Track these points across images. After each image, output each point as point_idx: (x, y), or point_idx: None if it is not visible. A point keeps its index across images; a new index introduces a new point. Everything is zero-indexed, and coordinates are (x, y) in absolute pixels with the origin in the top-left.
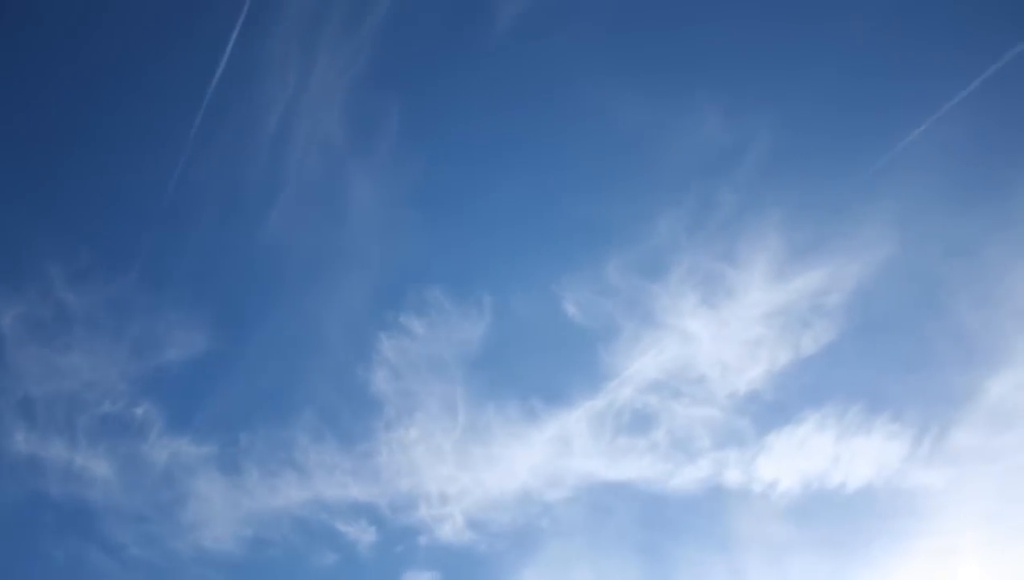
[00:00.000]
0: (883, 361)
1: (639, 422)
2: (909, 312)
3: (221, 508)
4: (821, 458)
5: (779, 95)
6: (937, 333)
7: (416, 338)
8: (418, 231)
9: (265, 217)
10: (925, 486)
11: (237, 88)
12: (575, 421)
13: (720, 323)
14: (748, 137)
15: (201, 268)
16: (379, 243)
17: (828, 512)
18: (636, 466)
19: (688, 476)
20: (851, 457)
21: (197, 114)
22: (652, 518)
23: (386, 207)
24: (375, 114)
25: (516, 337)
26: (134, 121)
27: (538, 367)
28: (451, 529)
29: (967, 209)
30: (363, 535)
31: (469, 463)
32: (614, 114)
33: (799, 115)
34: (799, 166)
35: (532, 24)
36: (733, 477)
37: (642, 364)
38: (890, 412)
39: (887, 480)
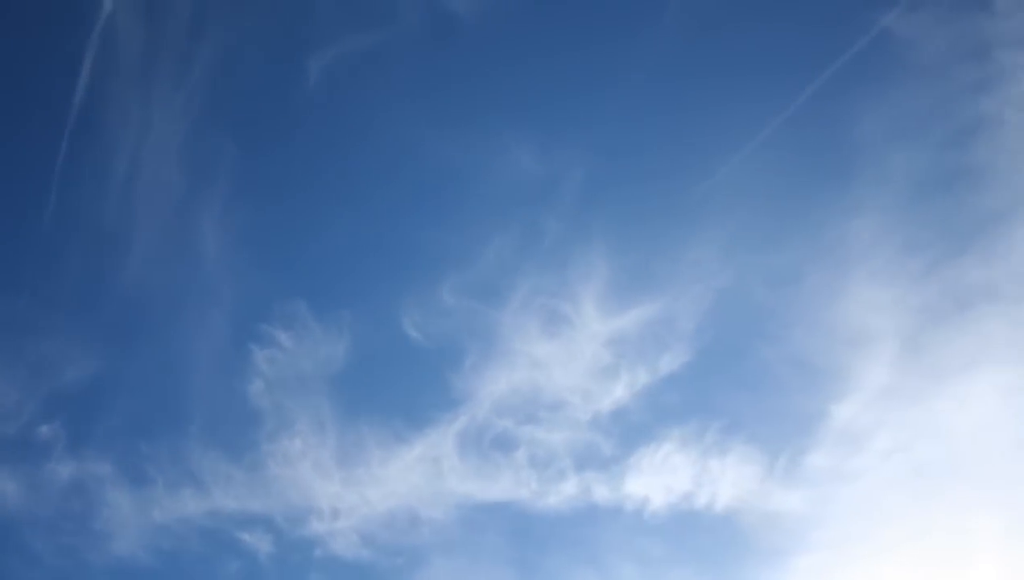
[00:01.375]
0: (732, 386)
1: (502, 444)
2: (749, 340)
3: (130, 518)
4: (686, 477)
5: (590, 129)
6: (778, 359)
7: (286, 351)
8: (265, 268)
9: (127, 251)
10: (787, 507)
11: (89, 137)
12: (441, 442)
13: (566, 349)
14: (561, 170)
15: (83, 294)
16: (233, 270)
17: (698, 530)
18: (505, 486)
19: (557, 496)
20: (714, 477)
21: (60, 150)
22: (526, 537)
23: (234, 239)
24: (212, 153)
25: (371, 357)
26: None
27: (395, 387)
28: (343, 543)
29: (787, 236)
30: (262, 545)
31: (352, 479)
32: (434, 152)
33: (613, 147)
34: (618, 196)
35: (350, 71)
36: (602, 495)
37: (495, 387)
38: (745, 435)
39: (750, 500)
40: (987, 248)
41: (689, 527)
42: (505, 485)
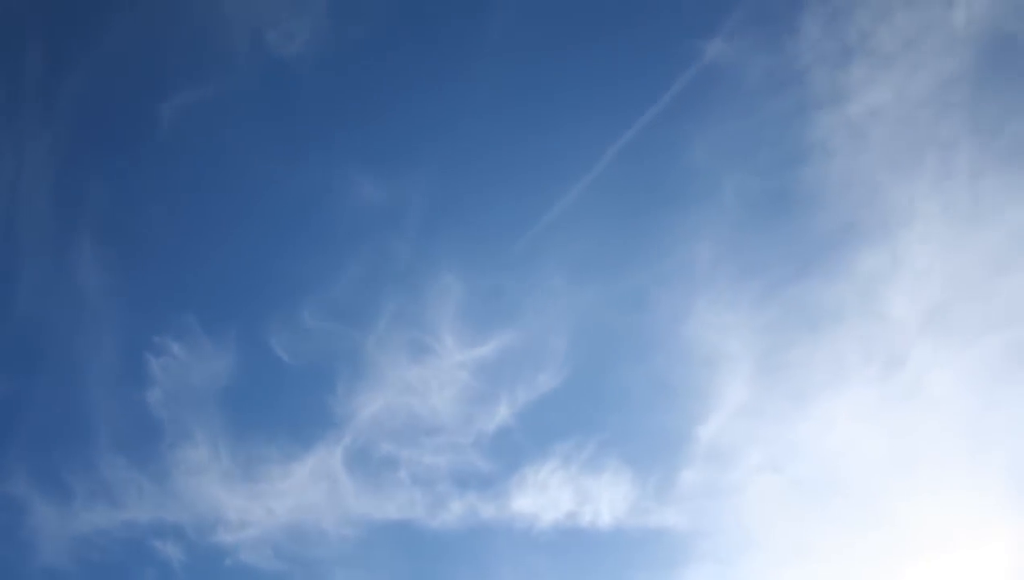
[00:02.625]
0: (603, 408)
1: (386, 465)
2: (612, 362)
3: (49, 531)
4: (569, 496)
5: (429, 158)
6: (641, 381)
7: (179, 361)
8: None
9: (15, 284)
10: (668, 523)
11: None
12: (329, 461)
13: (435, 372)
14: (404, 197)
15: None
16: (118, 289)
17: (584, 547)
18: (396, 505)
19: (447, 515)
20: (595, 495)
21: None
22: (419, 555)
23: (116, 262)
24: (84, 188)
25: (251, 376)
26: None
27: (276, 406)
28: (251, 554)
29: (633, 260)
30: (175, 554)
31: (253, 492)
32: (283, 186)
33: (453, 176)
34: (464, 222)
35: (200, 114)
36: (490, 514)
37: (372, 409)
38: (619, 454)
39: (631, 517)
40: (827, 269)
41: (575, 544)
42: (395, 504)
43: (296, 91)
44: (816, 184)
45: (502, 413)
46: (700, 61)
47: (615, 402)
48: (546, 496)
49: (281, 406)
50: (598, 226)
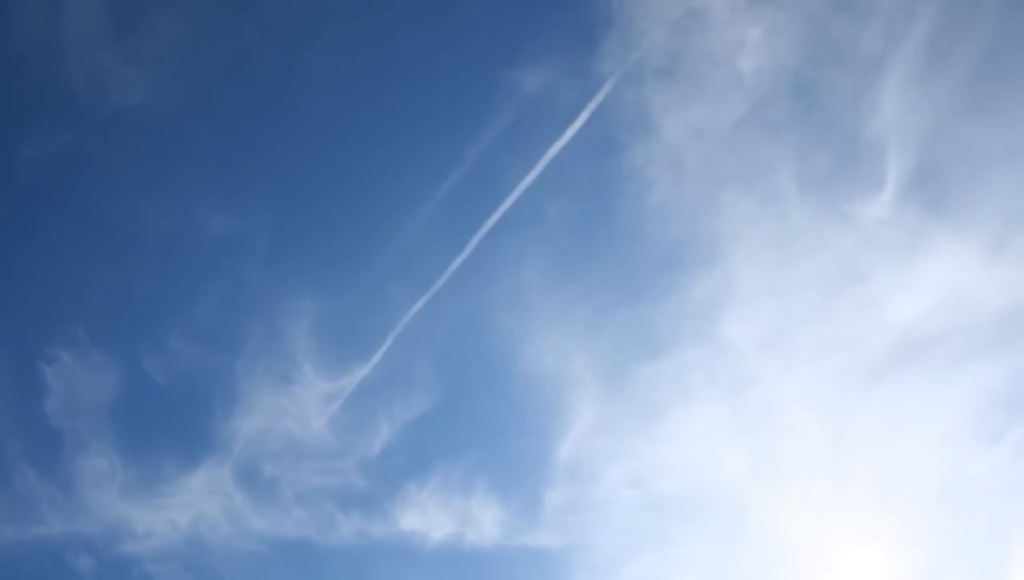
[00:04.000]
0: (473, 431)
1: (272, 484)
2: (474, 387)
3: None
4: (452, 515)
5: (272, 190)
6: (502, 403)
7: (72, 371)
8: None
9: None
10: (543, 543)
11: None
12: (220, 479)
13: (305, 395)
14: (252, 229)
15: None
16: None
17: (470, 566)
18: (289, 523)
19: (338, 533)
20: (475, 515)
21: None
22: (315, 572)
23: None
24: None
25: (134, 392)
26: None
27: (162, 424)
28: (159, 567)
29: (472, 284)
30: (87, 564)
31: (157, 505)
32: (139, 219)
33: (300, 205)
34: (315, 250)
35: (63, 157)
36: (379, 533)
37: (251, 431)
38: (488, 477)
39: (508, 537)
40: (657, 292)
41: (462, 563)
42: (288, 522)
43: (142, 134)
44: (638, 209)
45: (376, 437)
46: (515, 90)
47: (477, 425)
48: (429, 516)
49: (164, 423)
50: (439, 250)
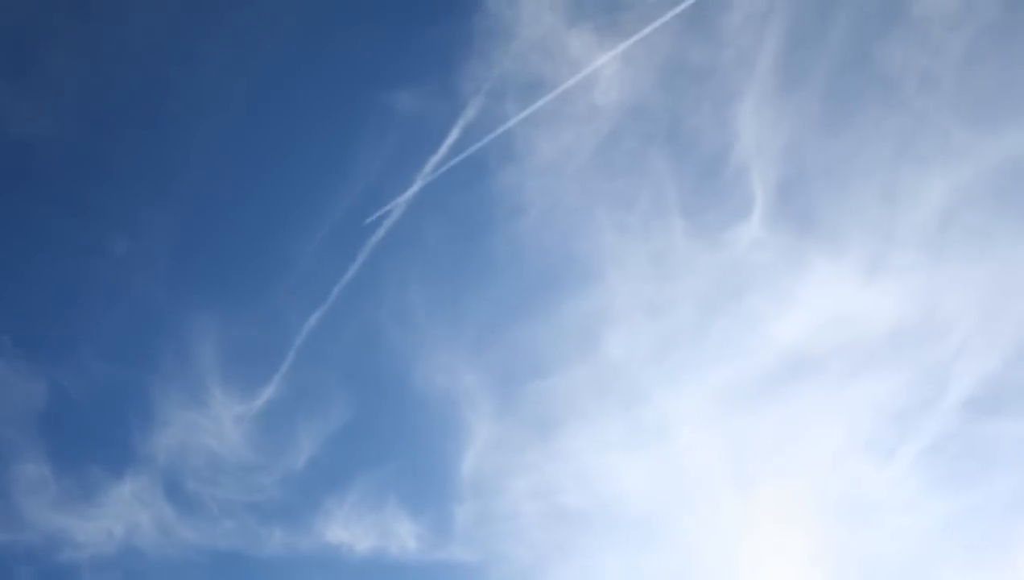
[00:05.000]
0: (383, 451)
1: (199, 497)
2: (380, 408)
3: None
4: (372, 530)
5: (170, 214)
6: (407, 424)
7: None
8: None
9: None
10: (458, 557)
11: None
12: (149, 491)
13: (224, 413)
14: (152, 250)
15: None
16: None
17: (394, 577)
18: (216, 535)
19: (266, 544)
20: (393, 530)
21: None
22: None
23: None
24: None
25: (57, 405)
26: None
27: (85, 436)
28: (97, 576)
29: (359, 305)
30: (25, 571)
31: (92, 514)
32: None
33: (198, 227)
34: (216, 269)
35: None
36: (306, 545)
37: (172, 446)
38: (399, 493)
39: (424, 551)
40: (538, 313)
41: (387, 576)
42: (216, 534)
43: (39, 166)
44: (512, 230)
45: (290, 453)
46: (388, 112)
47: (385, 442)
48: (351, 530)
49: (88, 436)
50: (327, 269)
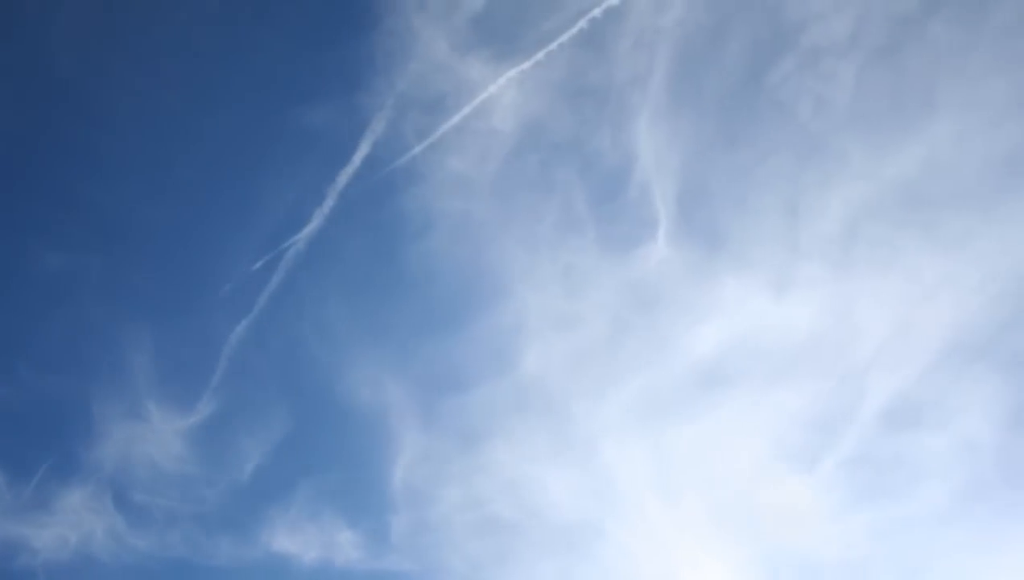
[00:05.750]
0: (319, 464)
1: (145, 508)
2: (309, 419)
3: None
4: (315, 540)
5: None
6: (333, 437)
7: None
8: None
9: None
10: (401, 568)
11: None
12: (98, 501)
13: (164, 427)
14: (87, 265)
15: None
16: None
17: None
18: (165, 544)
19: (214, 553)
20: (335, 539)
21: None
22: None
23: None
24: None
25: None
26: None
27: (28, 445)
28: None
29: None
30: None
31: (44, 522)
32: None
33: (134, 243)
34: (152, 285)
35: None
36: (253, 553)
37: (116, 458)
38: (337, 505)
39: (366, 562)
40: (454, 329)
41: None
42: (164, 543)
43: None
44: (426, 249)
45: (230, 465)
46: (298, 128)
47: (319, 455)
48: (294, 540)
49: (33, 447)
50: (251, 282)
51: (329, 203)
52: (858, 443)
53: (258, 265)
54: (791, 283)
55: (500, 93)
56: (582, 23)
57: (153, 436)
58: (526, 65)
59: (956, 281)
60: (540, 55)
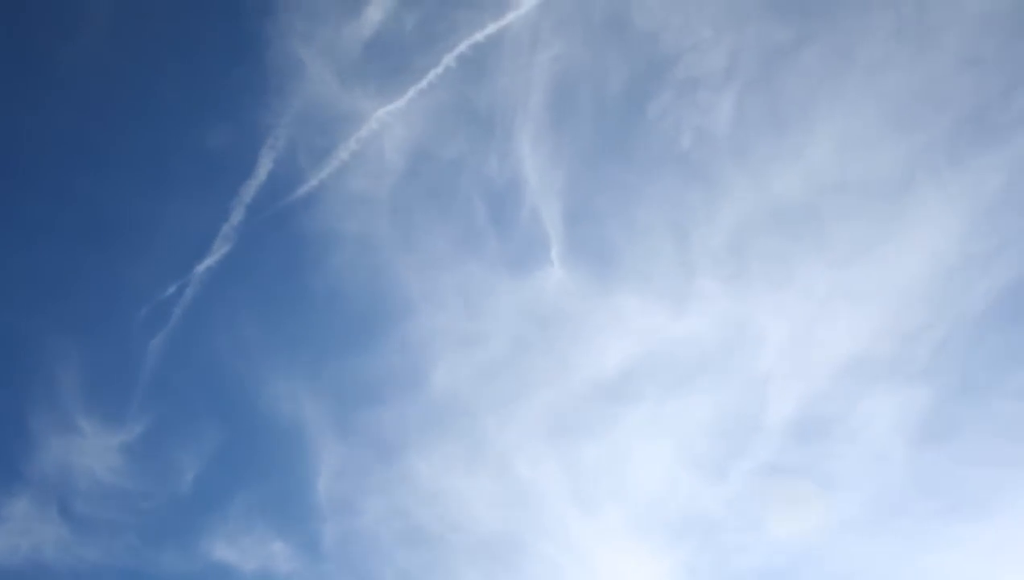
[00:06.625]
0: (246, 476)
1: (88, 518)
2: (235, 433)
3: None
4: (251, 550)
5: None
6: (254, 450)
7: None
8: None
9: None
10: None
11: None
12: (42, 511)
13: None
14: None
15: None
16: None
17: None
18: (112, 553)
19: (169, 561)
20: (269, 551)
21: None
22: None
23: None
24: None
25: None
26: None
27: None
28: None
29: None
30: None
31: None
32: None
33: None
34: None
35: None
36: (196, 563)
37: (56, 468)
38: (267, 517)
39: (300, 573)
40: (362, 346)
41: None
42: (111, 552)
43: None
44: (329, 273)
45: (169, 479)
46: (199, 147)
47: (248, 468)
48: (233, 551)
49: None
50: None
51: (234, 223)
52: (767, 453)
53: (171, 285)
54: (687, 298)
55: (390, 119)
56: (463, 49)
57: (90, 450)
58: (412, 92)
59: (850, 294)
60: (424, 83)
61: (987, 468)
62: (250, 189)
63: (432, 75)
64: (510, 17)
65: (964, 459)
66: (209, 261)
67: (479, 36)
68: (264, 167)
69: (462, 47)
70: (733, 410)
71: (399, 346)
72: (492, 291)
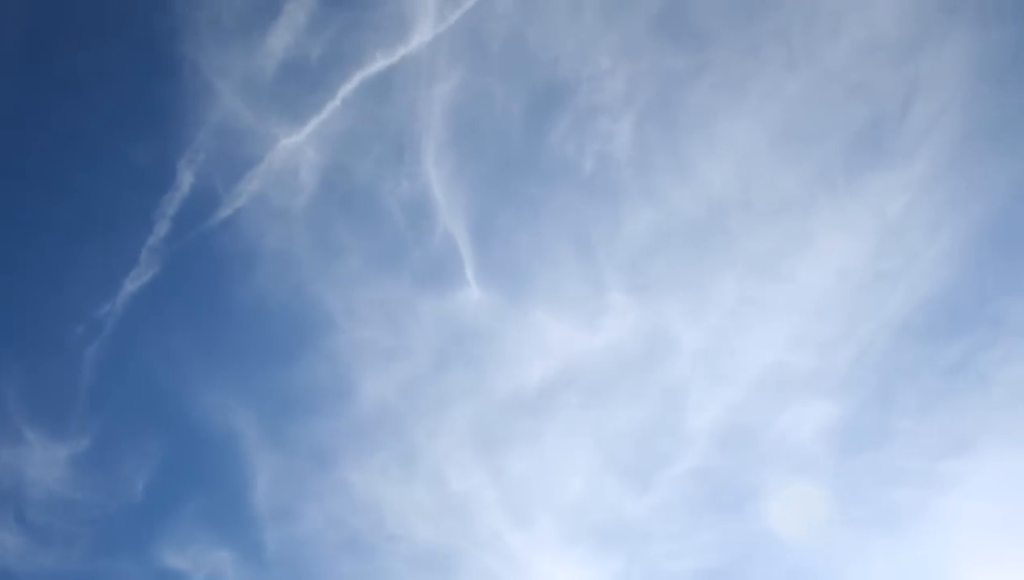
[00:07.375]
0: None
1: (47, 529)
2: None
3: None
4: (201, 559)
5: None
6: (201, 458)
7: None
8: None
9: None
10: None
11: None
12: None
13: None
14: None
15: None
16: None
17: None
18: (70, 561)
19: (125, 569)
20: (217, 555)
21: None
22: None
23: None
24: None
25: None
26: None
27: None
28: None
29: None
30: None
31: None
32: None
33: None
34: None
35: None
36: (154, 573)
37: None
38: (214, 526)
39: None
40: (289, 359)
41: None
42: (70, 559)
43: None
44: (252, 289)
45: (118, 491)
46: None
47: (193, 480)
48: (185, 559)
49: None
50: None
51: (160, 236)
52: (691, 460)
53: (103, 298)
54: (600, 312)
55: (302, 140)
56: (370, 72)
57: (39, 461)
58: (325, 112)
59: (761, 305)
60: (334, 104)
61: (904, 483)
62: (173, 202)
63: (340, 97)
64: (414, 44)
65: (883, 473)
66: (138, 273)
67: (385, 60)
68: (185, 181)
69: (369, 70)
70: (654, 419)
71: (326, 358)
72: (412, 308)
